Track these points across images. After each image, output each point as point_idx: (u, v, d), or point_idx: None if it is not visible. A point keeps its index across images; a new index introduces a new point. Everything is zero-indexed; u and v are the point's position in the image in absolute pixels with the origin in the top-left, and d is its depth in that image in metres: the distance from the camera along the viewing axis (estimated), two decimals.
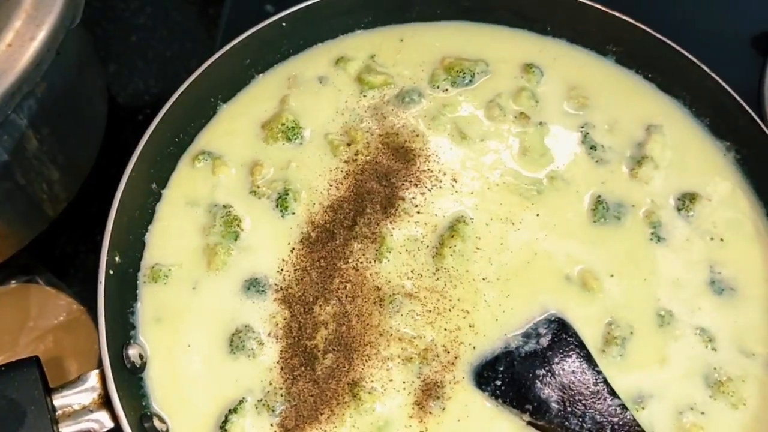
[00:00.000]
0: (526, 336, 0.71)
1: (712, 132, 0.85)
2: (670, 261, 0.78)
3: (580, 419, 0.65)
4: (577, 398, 0.65)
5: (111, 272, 0.71)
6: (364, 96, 0.85)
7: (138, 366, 0.71)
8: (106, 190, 0.99)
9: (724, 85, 0.80)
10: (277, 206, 0.79)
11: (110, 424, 0.65)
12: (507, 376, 0.68)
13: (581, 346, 0.71)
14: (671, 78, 0.86)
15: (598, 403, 0.65)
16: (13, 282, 0.93)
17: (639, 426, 0.66)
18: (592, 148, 0.83)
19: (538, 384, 0.66)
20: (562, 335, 0.71)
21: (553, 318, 0.72)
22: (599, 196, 0.80)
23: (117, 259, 0.73)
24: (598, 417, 0.64)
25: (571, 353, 0.69)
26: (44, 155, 0.85)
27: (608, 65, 0.88)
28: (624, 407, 0.67)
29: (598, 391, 0.67)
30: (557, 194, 0.81)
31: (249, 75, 0.87)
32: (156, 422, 0.69)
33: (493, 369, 0.69)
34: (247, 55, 0.85)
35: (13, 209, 0.86)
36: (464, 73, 0.85)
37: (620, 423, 0.65)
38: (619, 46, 0.87)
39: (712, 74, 0.80)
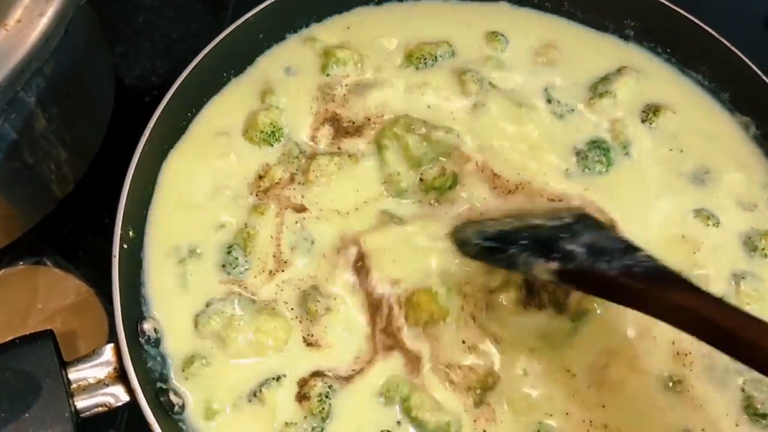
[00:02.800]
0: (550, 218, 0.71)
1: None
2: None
3: (608, 262, 0.62)
4: (603, 251, 0.63)
5: (125, 246, 0.70)
6: None
7: (153, 340, 0.70)
8: (112, 171, 0.99)
9: (746, 59, 0.81)
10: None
11: (126, 398, 0.64)
12: (531, 238, 0.67)
13: (603, 224, 0.71)
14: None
15: (626, 257, 0.62)
16: (21, 263, 0.92)
17: (671, 269, 0.62)
18: (549, 101, 0.84)
19: (563, 242, 0.65)
20: (585, 217, 0.70)
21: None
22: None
23: (130, 234, 0.72)
24: (626, 261, 0.61)
25: (591, 223, 0.69)
26: (52, 135, 0.84)
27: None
28: (652, 257, 0.63)
29: (624, 248, 0.64)
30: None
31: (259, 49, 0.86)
32: (172, 396, 0.68)
33: (515, 234, 0.68)
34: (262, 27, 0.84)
35: (21, 189, 0.85)
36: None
37: (651, 266, 0.61)
38: (637, 21, 0.87)
39: (734, 49, 0.81)
